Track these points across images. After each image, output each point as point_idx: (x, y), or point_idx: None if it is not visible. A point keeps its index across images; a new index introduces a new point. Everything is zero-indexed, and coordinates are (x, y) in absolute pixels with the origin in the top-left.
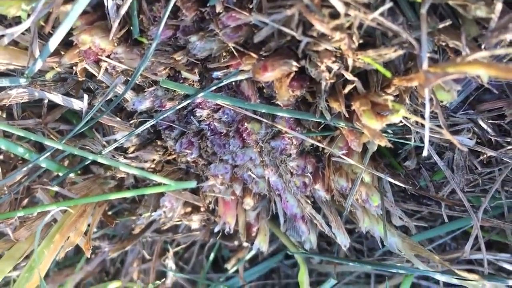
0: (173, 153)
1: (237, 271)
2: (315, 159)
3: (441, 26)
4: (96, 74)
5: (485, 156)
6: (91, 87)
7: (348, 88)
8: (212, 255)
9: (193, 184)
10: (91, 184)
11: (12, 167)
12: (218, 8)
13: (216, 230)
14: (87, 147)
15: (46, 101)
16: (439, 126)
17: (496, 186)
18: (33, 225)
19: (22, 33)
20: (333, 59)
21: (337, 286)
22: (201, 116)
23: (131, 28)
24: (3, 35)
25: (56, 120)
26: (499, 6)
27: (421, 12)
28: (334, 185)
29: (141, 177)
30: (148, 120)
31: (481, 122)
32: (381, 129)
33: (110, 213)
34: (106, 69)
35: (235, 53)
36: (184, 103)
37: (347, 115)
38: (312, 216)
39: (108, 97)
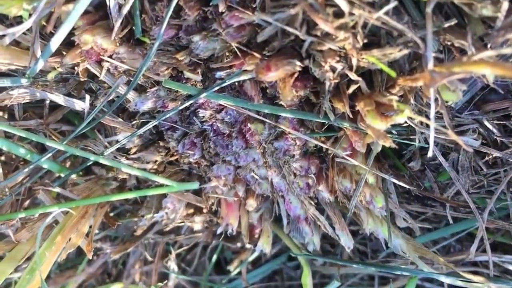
0: (175, 154)
1: (239, 273)
2: (318, 160)
3: (446, 25)
4: (98, 75)
5: (490, 157)
6: (93, 87)
7: (352, 88)
8: (214, 257)
9: (195, 185)
10: (93, 185)
11: (14, 168)
12: (221, 8)
13: (218, 231)
14: (89, 148)
15: (47, 102)
16: (444, 126)
17: (502, 187)
18: (35, 227)
19: (24, 33)
20: (337, 58)
21: None
22: (203, 116)
23: (133, 27)
24: (4, 35)
25: (57, 121)
26: (505, 5)
27: (427, 11)
28: (338, 186)
29: (143, 178)
30: (151, 121)
31: (486, 123)
32: (385, 129)
33: (112, 214)
34: (108, 69)
35: (238, 53)
36: (187, 104)
37: (351, 116)
38: (316, 217)
39: (110, 98)
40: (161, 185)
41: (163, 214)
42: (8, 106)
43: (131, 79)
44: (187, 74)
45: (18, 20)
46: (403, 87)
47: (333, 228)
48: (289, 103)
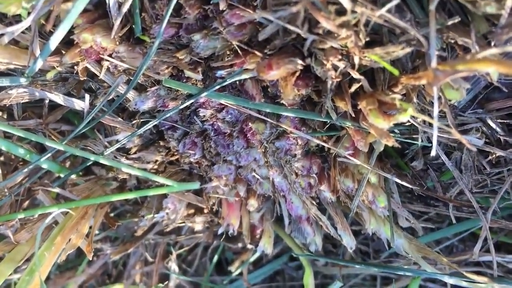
0: (176, 153)
1: (241, 273)
2: (320, 159)
3: (450, 23)
4: (98, 74)
5: (494, 156)
6: (92, 86)
7: (355, 87)
8: (215, 258)
9: (196, 185)
10: (92, 185)
11: (13, 169)
12: (222, 6)
13: (219, 232)
14: (88, 148)
15: (47, 101)
16: (447, 125)
17: (505, 187)
18: (34, 227)
19: (23, 32)
20: (339, 57)
21: None
22: (204, 116)
23: (133, 26)
24: (3, 34)
25: (57, 121)
26: (509, 2)
27: (430, 8)
28: (340, 186)
29: (144, 178)
30: (151, 120)
31: (490, 122)
32: (388, 128)
33: (112, 215)
34: (108, 69)
35: (239, 51)
36: (187, 103)
37: (353, 115)
38: (318, 217)
39: (110, 97)
40: (162, 185)
41: (163, 215)
42: (7, 105)
43: (131, 78)
44: (188, 73)
45: (17, 18)
46: (406, 85)
47: (335, 228)
48: (291, 102)
